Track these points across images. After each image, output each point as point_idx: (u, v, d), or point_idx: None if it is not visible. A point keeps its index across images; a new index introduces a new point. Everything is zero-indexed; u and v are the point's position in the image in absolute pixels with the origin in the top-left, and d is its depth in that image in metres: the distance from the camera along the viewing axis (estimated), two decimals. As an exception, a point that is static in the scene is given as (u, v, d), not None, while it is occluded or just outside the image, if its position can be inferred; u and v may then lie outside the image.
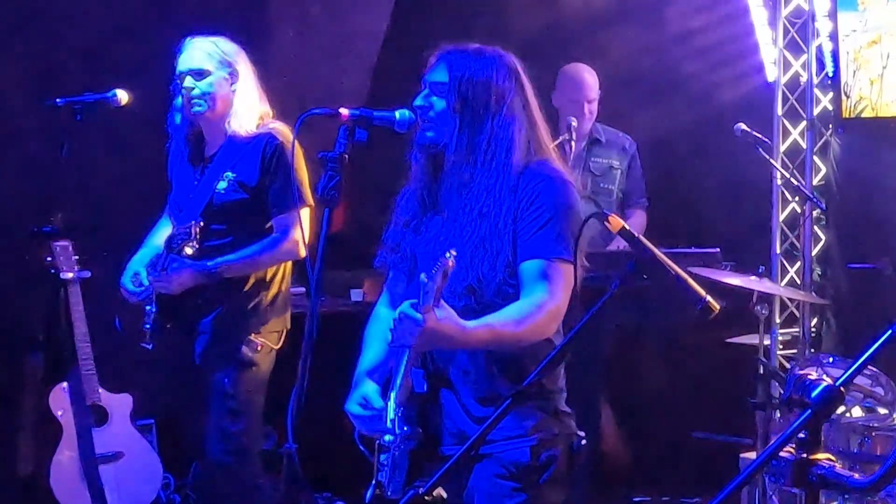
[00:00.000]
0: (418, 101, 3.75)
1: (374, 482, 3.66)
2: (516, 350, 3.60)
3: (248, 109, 5.39)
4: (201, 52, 5.36)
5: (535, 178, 3.62)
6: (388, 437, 3.62)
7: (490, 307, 3.55)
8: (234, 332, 5.40)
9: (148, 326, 5.47)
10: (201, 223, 5.14)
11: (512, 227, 3.59)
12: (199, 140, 5.54)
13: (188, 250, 5.16)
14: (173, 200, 5.64)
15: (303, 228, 5.23)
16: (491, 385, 3.64)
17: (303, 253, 5.26)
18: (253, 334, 5.39)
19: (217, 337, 5.42)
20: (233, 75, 5.39)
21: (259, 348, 5.40)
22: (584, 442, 3.71)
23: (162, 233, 5.67)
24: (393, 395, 3.63)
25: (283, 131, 5.34)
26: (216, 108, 5.38)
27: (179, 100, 5.43)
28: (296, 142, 5.20)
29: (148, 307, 5.45)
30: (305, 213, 5.36)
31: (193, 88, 5.35)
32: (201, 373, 5.49)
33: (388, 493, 3.60)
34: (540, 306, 3.51)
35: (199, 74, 5.35)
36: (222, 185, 5.35)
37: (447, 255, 3.32)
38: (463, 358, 3.66)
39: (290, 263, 5.52)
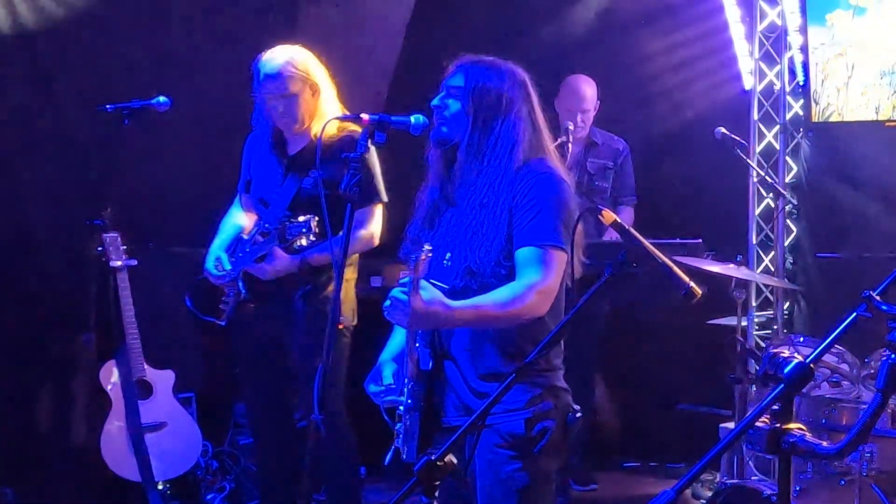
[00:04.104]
0: (435, 102, 3.76)
1: (393, 448, 3.70)
2: (512, 329, 3.60)
3: (331, 116, 5.33)
4: (284, 77, 5.27)
5: (531, 174, 3.62)
6: (401, 408, 3.68)
7: (487, 288, 3.56)
8: (321, 311, 5.34)
9: (226, 305, 5.51)
10: (316, 218, 5.02)
11: (508, 218, 3.59)
12: (282, 139, 5.48)
13: (303, 241, 5.07)
14: (256, 193, 5.57)
15: (378, 222, 5.31)
16: (490, 362, 3.64)
17: (376, 243, 5.29)
18: None
19: (304, 314, 5.40)
20: (314, 89, 5.32)
21: (341, 325, 5.37)
22: (578, 415, 3.70)
23: (235, 218, 5.67)
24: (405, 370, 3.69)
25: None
26: (304, 122, 5.34)
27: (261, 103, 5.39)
28: (373, 144, 5.20)
29: (228, 289, 5.47)
30: (380, 209, 5.36)
31: (282, 110, 5.31)
32: (284, 347, 5.49)
33: (404, 458, 3.65)
34: (529, 287, 3.50)
35: (286, 98, 5.28)
36: (308, 182, 5.29)
37: (424, 249, 3.38)
38: (464, 337, 3.67)
39: None
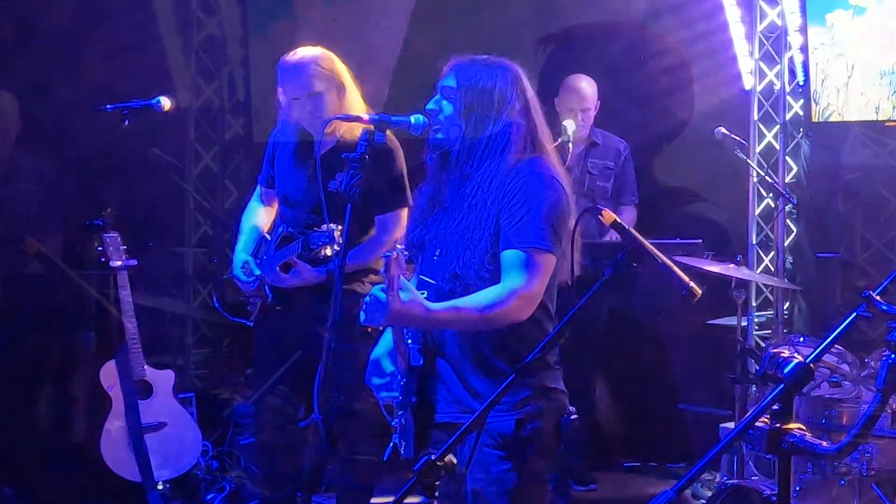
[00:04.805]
0: (430, 105, 3.73)
1: (391, 444, 3.70)
2: (505, 329, 3.56)
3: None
4: (309, 75, 5.18)
5: (521, 173, 3.57)
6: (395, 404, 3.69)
7: (470, 290, 3.53)
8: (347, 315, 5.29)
9: (253, 307, 5.49)
10: (339, 228, 4.87)
11: (495, 220, 3.55)
12: (308, 140, 5.37)
13: (328, 251, 4.97)
14: (281, 191, 5.49)
15: (402, 226, 5.16)
16: (481, 359, 3.61)
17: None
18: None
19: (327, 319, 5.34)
20: (341, 90, 5.22)
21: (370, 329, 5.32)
22: (573, 417, 3.64)
23: (256, 215, 5.62)
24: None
25: (391, 137, 4.96)
26: (331, 122, 5.17)
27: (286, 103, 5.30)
28: (399, 146, 5.13)
29: (256, 293, 5.45)
30: (405, 212, 5.23)
31: (309, 109, 5.21)
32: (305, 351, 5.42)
33: (402, 453, 3.65)
34: (511, 292, 3.46)
35: (314, 97, 5.18)
36: (333, 185, 5.18)
37: (395, 248, 3.35)
38: (455, 334, 3.64)
39: None
